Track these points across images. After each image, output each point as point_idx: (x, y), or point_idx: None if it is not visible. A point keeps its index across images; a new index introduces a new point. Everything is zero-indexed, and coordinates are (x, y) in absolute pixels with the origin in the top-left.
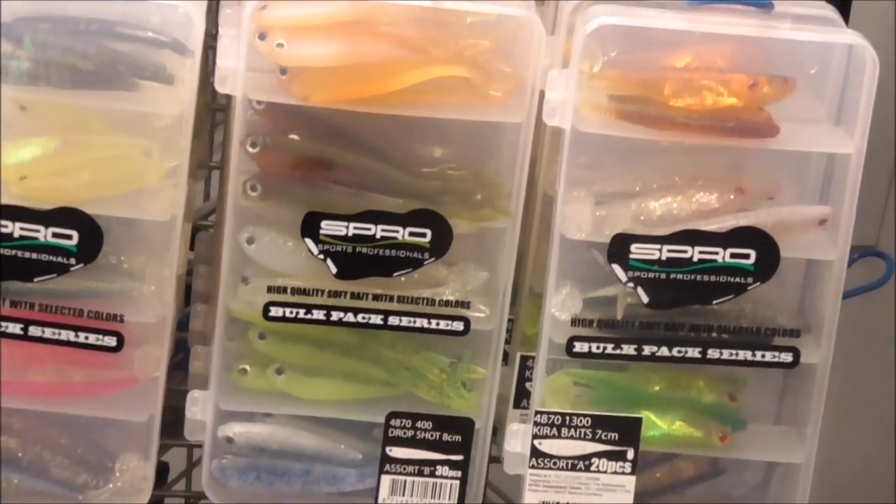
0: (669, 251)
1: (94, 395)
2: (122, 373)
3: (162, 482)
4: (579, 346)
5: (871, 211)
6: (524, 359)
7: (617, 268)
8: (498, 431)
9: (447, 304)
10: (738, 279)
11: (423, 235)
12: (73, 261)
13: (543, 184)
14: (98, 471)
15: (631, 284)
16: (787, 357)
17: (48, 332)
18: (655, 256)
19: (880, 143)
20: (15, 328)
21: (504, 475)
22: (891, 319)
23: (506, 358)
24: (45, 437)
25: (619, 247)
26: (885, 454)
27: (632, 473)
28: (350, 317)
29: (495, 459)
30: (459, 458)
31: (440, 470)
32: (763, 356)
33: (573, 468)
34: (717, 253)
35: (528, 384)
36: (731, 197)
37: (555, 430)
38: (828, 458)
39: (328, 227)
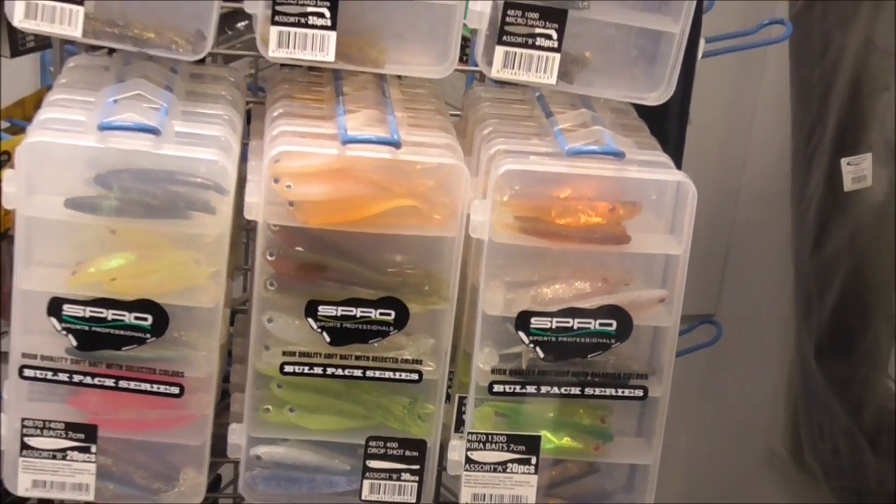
0: (557, 322)
1: (165, 427)
2: (184, 412)
3: (216, 487)
4: (497, 388)
5: (710, 288)
6: (461, 398)
7: (522, 334)
8: (444, 449)
9: (406, 361)
10: (604, 340)
11: (389, 315)
12: (148, 335)
13: (472, 278)
14: (168, 480)
15: (532, 345)
16: (640, 393)
17: (132, 384)
18: (548, 326)
19: (715, 239)
20: (109, 382)
21: (450, 477)
22: (725, 369)
23: (448, 398)
24: (131, 456)
25: (522, 320)
26: (721, 454)
27: (535, 473)
28: (339, 371)
29: (445, 468)
30: (417, 467)
31: (404, 476)
32: (623, 392)
33: (494, 470)
34: (589, 323)
35: (463, 416)
36: (599, 284)
37: (481, 444)
38: (685, 456)
39: (323, 311)
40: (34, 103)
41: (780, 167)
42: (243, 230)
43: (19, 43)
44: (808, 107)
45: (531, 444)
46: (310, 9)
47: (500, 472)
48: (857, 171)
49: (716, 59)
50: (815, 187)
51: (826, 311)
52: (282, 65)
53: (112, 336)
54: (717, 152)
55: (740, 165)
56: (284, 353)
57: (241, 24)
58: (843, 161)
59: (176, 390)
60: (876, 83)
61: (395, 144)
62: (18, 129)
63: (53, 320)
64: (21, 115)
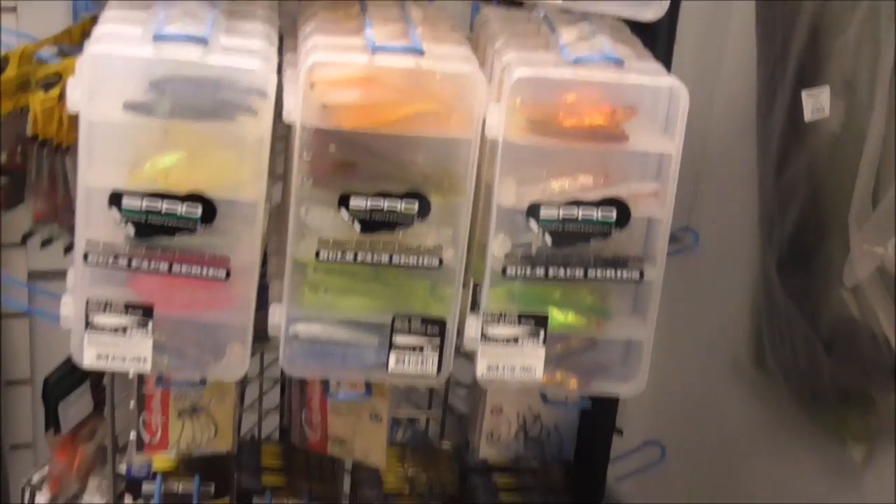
0: (564, 212)
1: (213, 307)
2: (230, 294)
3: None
4: (510, 271)
5: (684, 201)
6: (475, 286)
7: (532, 222)
8: (459, 332)
9: (428, 249)
10: (606, 228)
11: (413, 206)
12: (198, 225)
13: (486, 177)
14: (216, 353)
15: (541, 233)
16: (636, 275)
17: (184, 269)
18: (555, 216)
19: (687, 163)
20: (164, 266)
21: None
22: (692, 287)
23: (464, 283)
24: (184, 333)
25: (533, 210)
26: (689, 363)
27: (543, 346)
28: (369, 257)
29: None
30: (438, 342)
31: (426, 350)
32: (622, 275)
33: (506, 343)
34: (592, 212)
35: (478, 301)
36: (601, 179)
37: (496, 321)
38: (655, 366)
39: (354, 203)
40: (80, 33)
41: (746, 99)
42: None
43: None
44: (772, 45)
45: (540, 322)
46: None
47: (512, 345)
48: (817, 103)
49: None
50: (778, 118)
51: (787, 230)
52: None
53: (166, 225)
54: (690, 82)
55: (709, 100)
56: (320, 242)
57: None
58: (804, 93)
59: (223, 274)
60: (832, 26)
61: (419, 52)
62: (67, 54)
63: (114, 210)
64: (68, 42)
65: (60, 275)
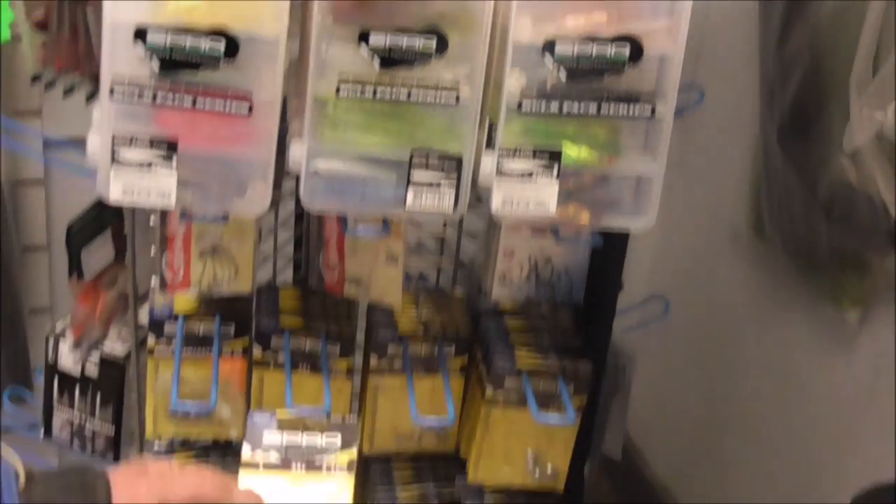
0: (578, 47)
1: (236, 143)
2: (252, 129)
3: None
4: (525, 106)
5: (688, 60)
6: (491, 125)
7: (548, 58)
8: (474, 181)
9: (445, 86)
10: (619, 64)
11: (431, 43)
12: (221, 60)
13: (502, 20)
14: (239, 189)
15: (556, 68)
16: (648, 111)
17: (208, 103)
18: (570, 52)
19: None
20: (188, 101)
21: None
22: (701, 139)
23: (480, 124)
24: (207, 169)
25: (548, 46)
26: (688, 232)
27: (556, 181)
28: (388, 93)
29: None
30: (454, 178)
31: (443, 186)
32: (634, 110)
33: (521, 178)
34: (606, 47)
35: (493, 136)
36: (615, 16)
37: (511, 156)
38: (669, 200)
39: (374, 39)
40: None
41: None
42: None
43: None
44: None
45: (554, 157)
46: None
47: (527, 179)
48: None
49: None
50: None
51: (788, 99)
52: None
53: (190, 60)
54: None
55: None
56: (339, 78)
57: None
58: None
59: (245, 109)
60: None
61: None
62: None
63: (139, 45)
64: None
65: (75, 143)
